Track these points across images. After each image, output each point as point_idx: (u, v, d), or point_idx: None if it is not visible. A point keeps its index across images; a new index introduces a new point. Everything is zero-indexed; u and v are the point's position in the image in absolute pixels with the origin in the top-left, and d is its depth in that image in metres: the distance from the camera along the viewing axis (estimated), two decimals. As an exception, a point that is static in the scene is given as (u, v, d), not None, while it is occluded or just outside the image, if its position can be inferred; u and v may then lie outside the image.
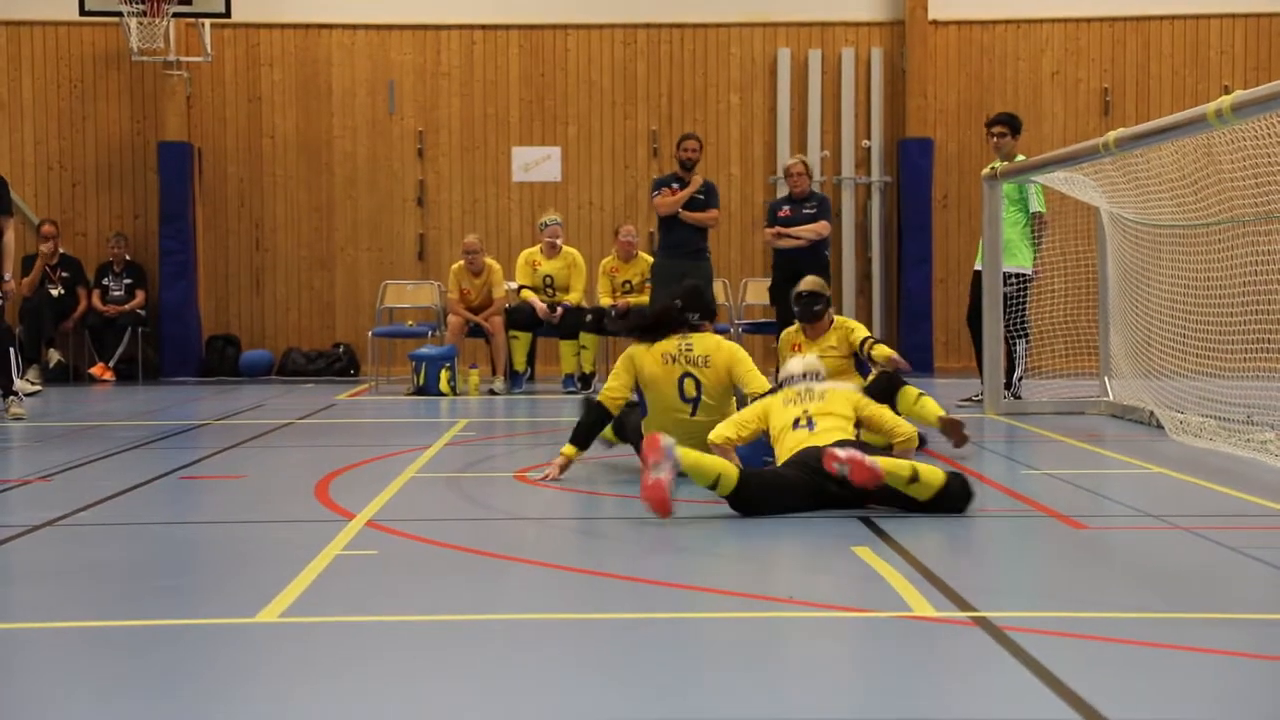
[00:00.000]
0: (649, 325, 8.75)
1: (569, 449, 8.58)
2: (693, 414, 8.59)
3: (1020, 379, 13.38)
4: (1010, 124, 13.41)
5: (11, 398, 13.13)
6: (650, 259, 16.23)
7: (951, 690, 4.39)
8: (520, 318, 15.95)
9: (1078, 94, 18.43)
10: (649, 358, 8.66)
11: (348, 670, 4.58)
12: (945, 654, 4.74)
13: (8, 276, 13.17)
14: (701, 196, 15.21)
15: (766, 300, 17.10)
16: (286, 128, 18.74)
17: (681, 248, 15.15)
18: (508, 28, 18.68)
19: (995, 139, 13.35)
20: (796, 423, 7.73)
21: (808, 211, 15.51)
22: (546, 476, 8.52)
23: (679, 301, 8.78)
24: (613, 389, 8.69)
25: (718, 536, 7.07)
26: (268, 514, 7.75)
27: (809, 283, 10.66)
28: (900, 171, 18.48)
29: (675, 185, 15.29)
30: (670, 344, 8.68)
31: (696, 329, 8.76)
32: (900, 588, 5.56)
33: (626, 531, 7.25)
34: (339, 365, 18.36)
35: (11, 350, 13.37)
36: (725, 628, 5.14)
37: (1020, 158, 12.77)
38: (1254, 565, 6.11)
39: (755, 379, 8.60)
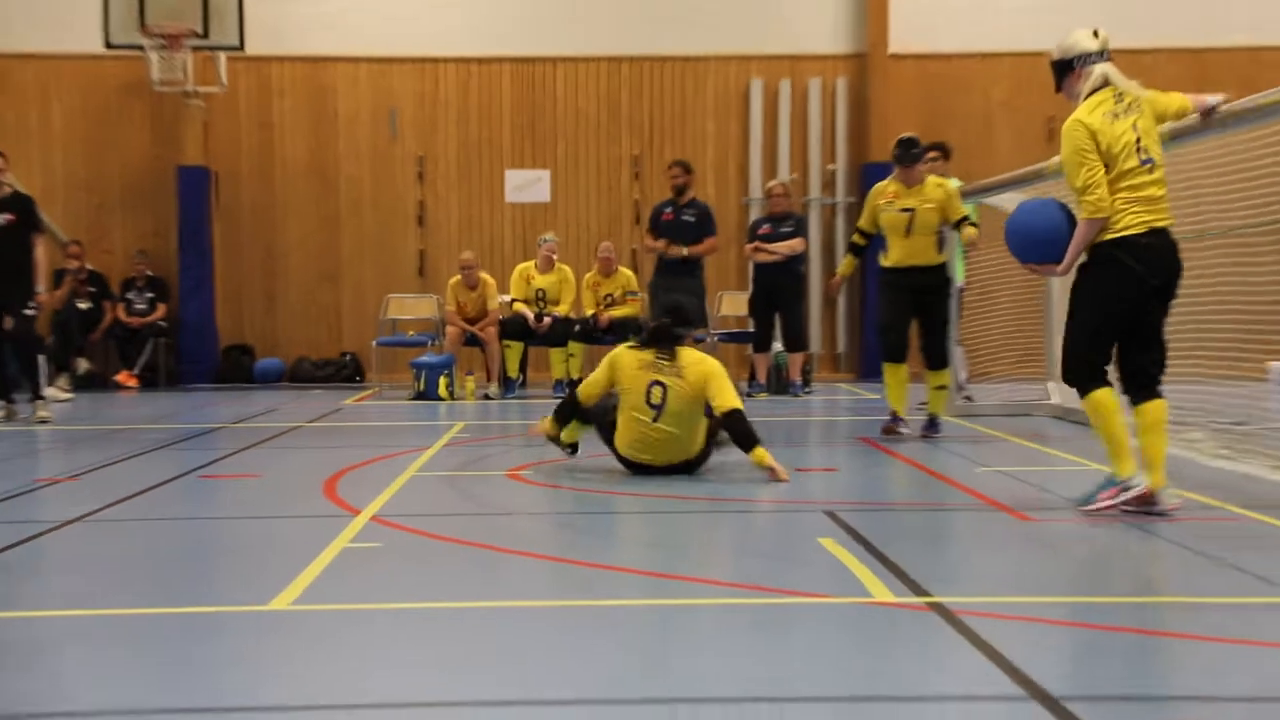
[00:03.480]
0: (648, 340, 8.76)
1: (546, 422, 8.99)
2: (654, 420, 8.58)
3: (967, 381, 13.41)
4: (943, 150, 13.40)
5: (39, 401, 13.13)
6: (629, 273, 16.27)
7: (908, 670, 4.41)
8: (513, 328, 15.97)
9: (1025, 122, 18.47)
10: (628, 360, 8.69)
11: (353, 653, 4.59)
12: (902, 636, 4.76)
13: (40, 289, 13.16)
14: (692, 220, 15.32)
15: (742, 311, 17.19)
16: (296, 152, 18.72)
17: (675, 266, 15.27)
18: (501, 60, 18.68)
19: (929, 164, 13.29)
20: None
21: (785, 230, 15.63)
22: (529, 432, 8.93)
23: (667, 319, 8.79)
24: (590, 383, 8.78)
25: (692, 529, 7.08)
26: (280, 510, 7.76)
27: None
28: (862, 191, 18.49)
29: (669, 209, 15.40)
30: (650, 353, 8.69)
31: (679, 341, 8.76)
32: (861, 575, 5.58)
33: (609, 525, 7.26)
34: (345, 372, 18.34)
35: (40, 358, 13.40)
36: (702, 613, 5.15)
37: (954, 181, 12.76)
38: (1184, 553, 6.15)
39: (727, 396, 8.56)
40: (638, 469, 8.69)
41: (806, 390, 15.83)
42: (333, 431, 12.21)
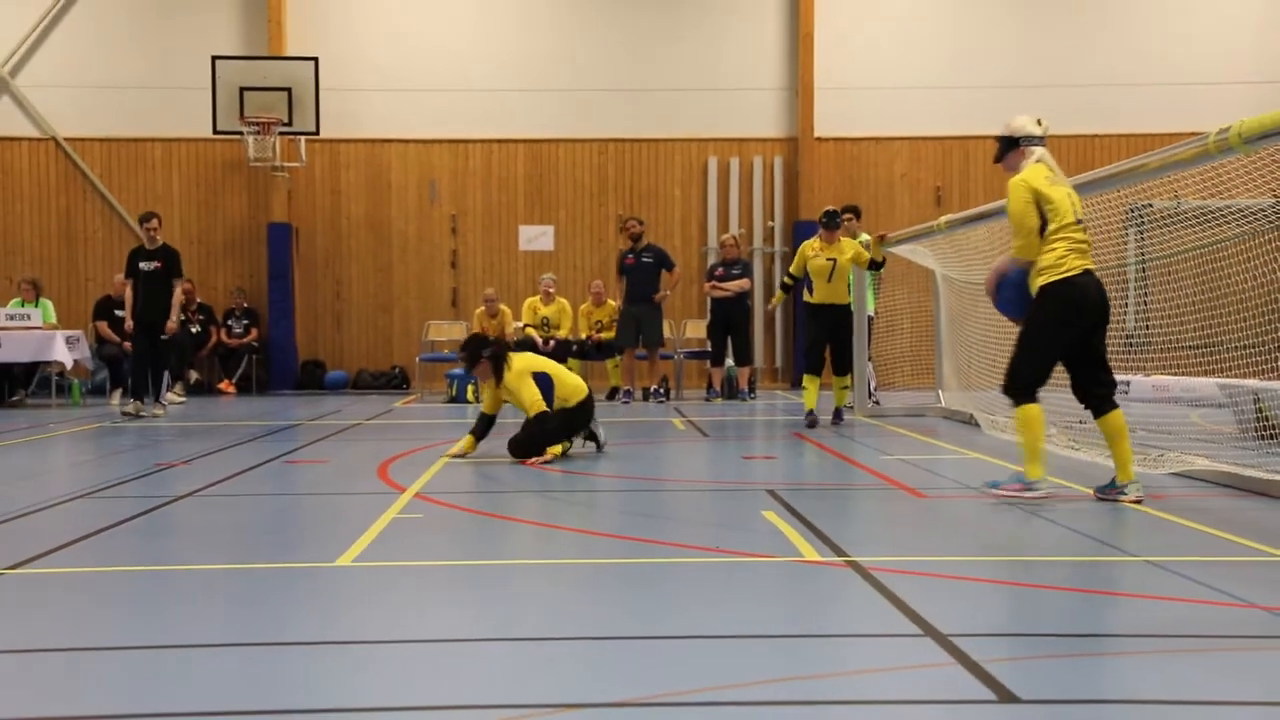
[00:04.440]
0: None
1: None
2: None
3: (877, 389, 13.41)
4: (856, 212, 13.39)
5: (158, 402, 13.15)
6: (615, 304, 16.26)
7: (831, 614, 4.39)
8: (525, 348, 15.91)
9: (919, 190, 18.49)
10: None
11: (401, 600, 4.55)
12: (826, 588, 4.73)
13: (173, 319, 13.26)
14: (650, 260, 15.38)
15: (701, 335, 17.19)
16: (358, 212, 18.67)
17: (637, 297, 15.31)
18: (516, 140, 18.67)
19: (845, 222, 13.23)
20: None
21: (735, 272, 15.63)
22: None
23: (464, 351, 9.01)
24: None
25: (664, 503, 7.05)
26: (343, 488, 7.71)
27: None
28: (794, 243, 18.50)
29: (630, 255, 15.44)
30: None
31: (475, 362, 8.92)
32: (795, 540, 5.56)
33: (602, 500, 7.23)
34: (395, 381, 18.27)
35: (166, 371, 13.59)
36: (670, 570, 5.12)
37: (864, 236, 12.76)
38: (1039, 521, 6.13)
39: (525, 400, 8.69)
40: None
41: (752, 396, 15.81)
42: (385, 427, 12.16)
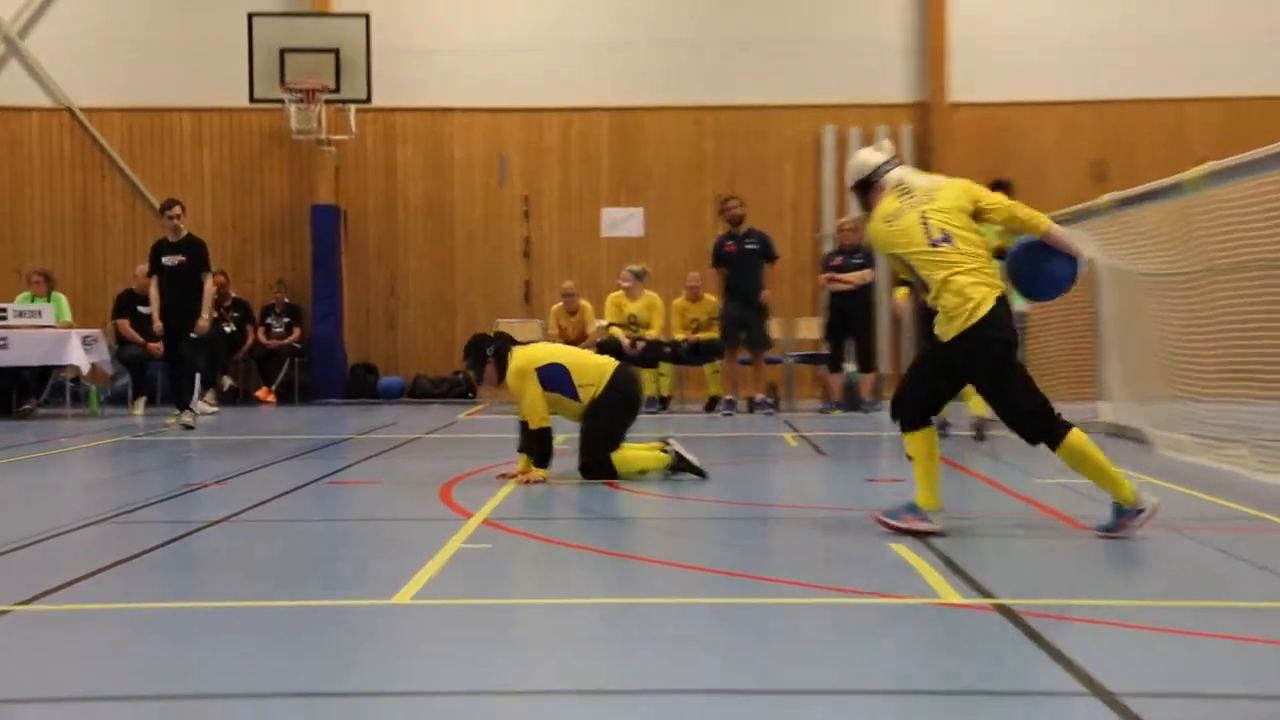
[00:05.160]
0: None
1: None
2: None
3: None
4: (1006, 188, 13.20)
5: (186, 411, 13.39)
6: (715, 299, 16.20)
7: (975, 666, 4.32)
8: (609, 350, 15.93)
9: (1073, 164, 18.23)
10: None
11: (468, 644, 4.56)
12: (968, 635, 4.66)
13: (204, 318, 13.54)
14: (756, 248, 15.38)
15: (816, 335, 17.09)
16: (416, 194, 18.86)
17: (740, 292, 15.29)
18: (598, 109, 18.72)
19: None
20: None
21: (856, 261, 15.57)
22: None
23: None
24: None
25: (773, 533, 7.01)
26: (400, 513, 7.76)
27: None
28: (926, 228, 18.31)
29: (731, 241, 15.41)
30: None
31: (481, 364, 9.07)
32: (929, 578, 5.49)
33: (699, 528, 7.20)
34: (458, 389, 18.41)
35: (198, 376, 13.86)
36: (781, 611, 5.08)
37: None
38: (1235, 563, 5.99)
39: (525, 408, 8.76)
40: None
41: (876, 408, 15.68)
42: (447, 443, 12.25)
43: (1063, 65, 18.31)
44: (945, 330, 6.51)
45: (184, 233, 13.86)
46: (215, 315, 17.75)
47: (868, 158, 6.93)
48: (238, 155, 18.81)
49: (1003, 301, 6.49)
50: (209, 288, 13.87)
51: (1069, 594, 5.28)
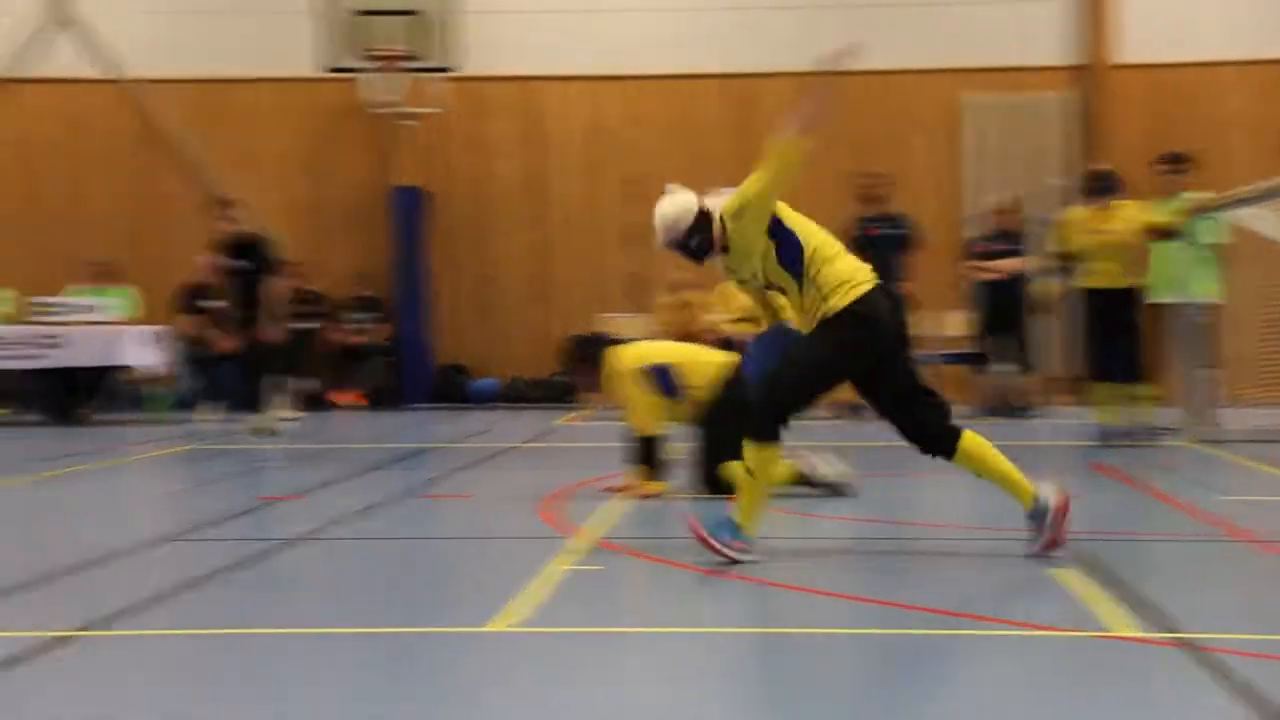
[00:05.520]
0: None
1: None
2: None
3: (1213, 405, 12.94)
4: (1179, 161, 13.00)
5: (262, 416, 13.58)
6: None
7: (1153, 708, 4.25)
8: (727, 349, 15.92)
9: (1263, 133, 17.86)
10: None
11: (575, 677, 4.57)
12: (1145, 674, 4.59)
13: (271, 328, 13.80)
14: (902, 232, 15.31)
15: (961, 331, 16.91)
16: (509, 172, 18.96)
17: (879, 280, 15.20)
18: (709, 76, 18.71)
19: (1164, 174, 12.84)
20: None
21: (1005, 248, 15.44)
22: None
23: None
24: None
25: (919, 556, 6.96)
26: (495, 530, 7.82)
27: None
28: (1086, 209, 18.09)
29: (875, 225, 15.36)
30: None
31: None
32: (1099, 608, 5.42)
33: (832, 548, 7.18)
34: (558, 393, 18.45)
35: (274, 378, 13.99)
36: (928, 643, 5.04)
37: (1187, 194, 12.42)
38: None
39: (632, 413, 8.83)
40: None
41: (1032, 412, 15.52)
42: (546, 452, 12.32)
43: (1249, 20, 17.97)
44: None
45: (244, 231, 13.93)
46: (287, 318, 18.03)
47: (680, 200, 6.85)
48: (310, 131, 19.02)
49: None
50: (277, 292, 13.94)
51: (1262, 627, 5.17)
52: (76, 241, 18.52)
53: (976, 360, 15.74)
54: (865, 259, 15.30)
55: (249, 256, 13.79)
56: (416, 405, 18.23)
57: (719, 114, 18.75)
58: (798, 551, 7.24)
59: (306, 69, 18.27)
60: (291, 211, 18.77)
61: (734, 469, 8.53)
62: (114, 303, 15.99)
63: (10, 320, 15.95)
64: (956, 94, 18.46)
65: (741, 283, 6.94)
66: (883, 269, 15.41)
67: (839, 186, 17.95)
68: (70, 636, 5.06)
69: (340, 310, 18.60)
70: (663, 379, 8.75)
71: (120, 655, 4.95)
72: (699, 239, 6.78)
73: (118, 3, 18.84)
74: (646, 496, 8.62)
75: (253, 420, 13.68)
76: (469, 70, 18.35)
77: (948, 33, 18.39)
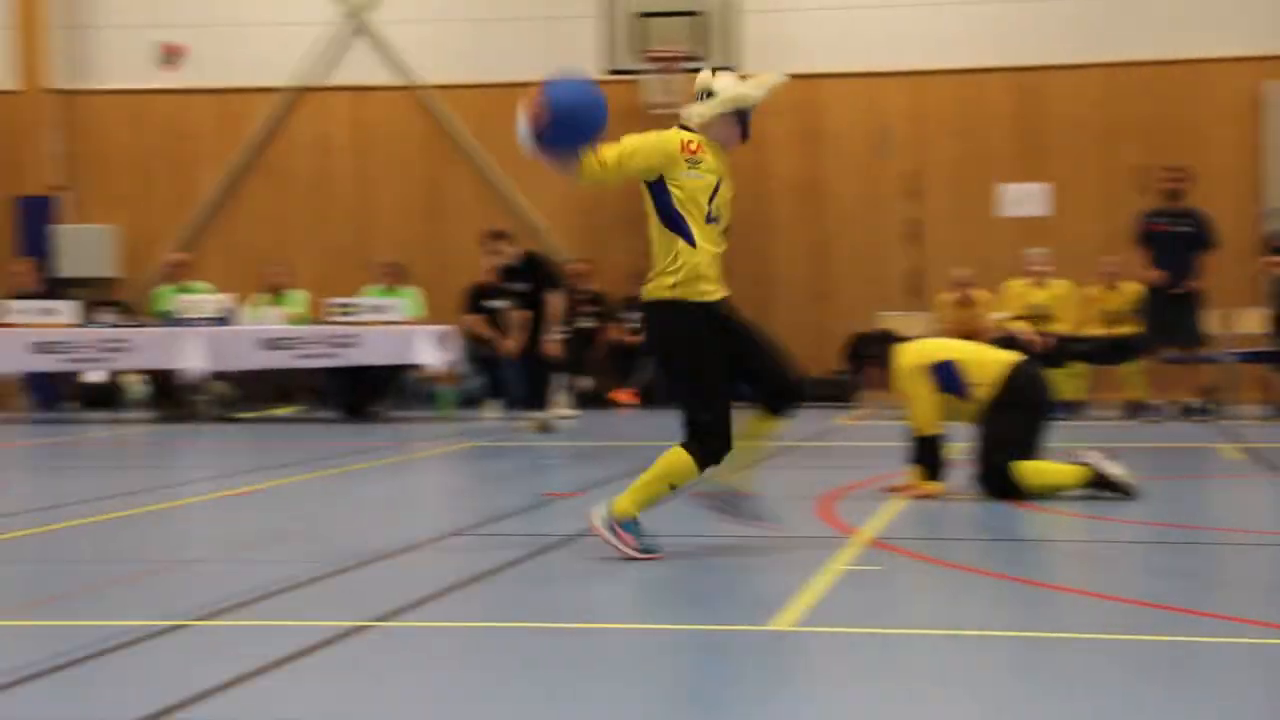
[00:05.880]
0: None
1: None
2: None
3: None
4: None
5: (542, 414, 13.86)
6: (1137, 288, 15.69)
7: None
8: (1009, 347, 15.65)
9: None
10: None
11: (862, 678, 4.55)
12: None
13: (550, 342, 14.08)
14: (1191, 230, 14.85)
15: (1259, 329, 16.31)
16: (785, 171, 18.95)
17: (1168, 278, 14.80)
18: (994, 70, 18.39)
19: None
20: None
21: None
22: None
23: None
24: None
25: (1220, 561, 6.74)
26: (772, 529, 7.82)
27: None
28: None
29: (1162, 220, 14.93)
30: None
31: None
32: None
33: (1119, 553, 6.99)
34: (835, 391, 18.34)
35: (555, 377, 14.27)
36: (1230, 654, 4.86)
37: None
38: None
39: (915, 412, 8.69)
40: None
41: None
42: (824, 451, 12.29)
43: None
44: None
45: (518, 256, 14.27)
46: (564, 330, 18.35)
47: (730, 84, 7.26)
48: (591, 133, 19.26)
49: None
50: (556, 306, 14.22)
51: None
52: (366, 243, 19.15)
53: (1277, 359, 15.14)
54: (1149, 256, 14.95)
55: (527, 278, 14.14)
56: (693, 404, 18.29)
57: (1000, 108, 18.41)
58: (1083, 555, 7.09)
59: (588, 72, 18.47)
60: (570, 212, 19.09)
61: (1024, 469, 8.40)
62: (402, 303, 16.47)
63: (304, 320, 16.57)
64: (1256, 84, 17.76)
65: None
66: (1169, 266, 15.16)
67: (1128, 180, 17.50)
68: (363, 628, 5.23)
69: (617, 309, 18.82)
70: (947, 376, 8.63)
71: (410, 647, 5.11)
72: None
73: (409, 11, 19.43)
74: (925, 496, 8.52)
75: (533, 418, 13.96)
76: (748, 69, 18.37)
77: (1247, 18, 17.72)
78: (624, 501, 6.68)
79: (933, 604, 5.84)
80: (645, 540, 6.65)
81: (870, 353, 8.97)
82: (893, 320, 17.82)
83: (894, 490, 8.75)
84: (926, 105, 18.62)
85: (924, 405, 8.61)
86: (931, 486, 8.59)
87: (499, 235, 14.47)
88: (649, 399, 18.35)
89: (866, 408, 17.01)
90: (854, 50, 18.67)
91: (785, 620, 5.27)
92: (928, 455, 8.65)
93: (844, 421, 15.40)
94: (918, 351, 8.81)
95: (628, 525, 6.64)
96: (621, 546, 6.58)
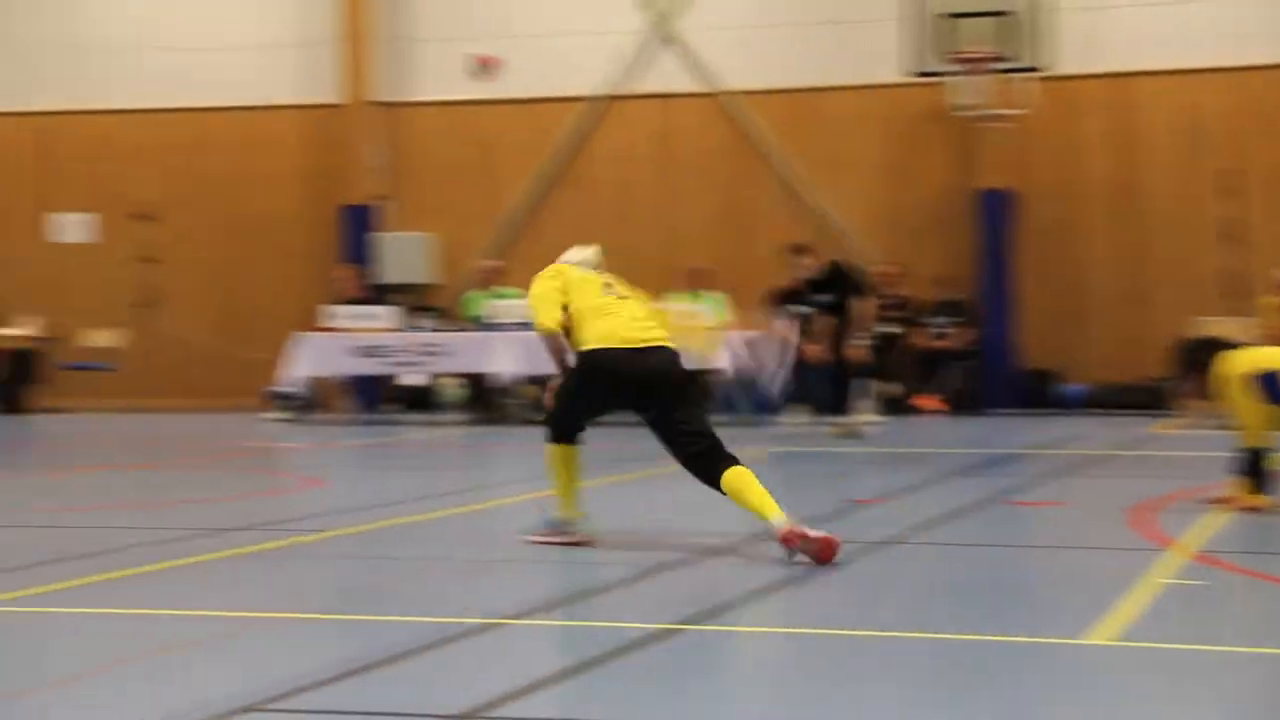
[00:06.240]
0: None
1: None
2: None
3: None
4: None
5: (848, 419, 13.80)
6: None
7: None
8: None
9: None
10: None
11: (1176, 697, 4.41)
12: None
13: (857, 347, 14.07)
14: None
15: None
16: (1098, 172, 18.49)
17: None
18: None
19: None
20: None
21: None
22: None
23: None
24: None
25: None
26: (1084, 540, 7.67)
27: None
28: None
29: None
30: None
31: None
32: None
33: None
34: (1149, 399, 17.78)
35: (852, 383, 14.19)
36: None
37: None
38: None
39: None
40: None
41: None
42: (1139, 461, 11.95)
43: None
44: None
45: (827, 267, 14.29)
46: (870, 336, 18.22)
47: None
48: (893, 137, 19.13)
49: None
50: (862, 313, 14.19)
51: None
52: (669, 250, 19.31)
53: None
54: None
55: (831, 289, 14.12)
56: (997, 410, 18.00)
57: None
58: None
59: (891, 75, 18.40)
60: (874, 217, 18.96)
61: None
62: (707, 308, 16.57)
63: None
64: None
65: None
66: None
67: None
68: (674, 630, 5.29)
69: (923, 315, 18.62)
70: (1274, 387, 8.27)
71: (716, 650, 5.17)
72: None
73: (713, 19, 19.54)
74: (1249, 510, 8.19)
75: (839, 423, 13.91)
76: (1059, 69, 17.99)
77: None
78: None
79: (1266, 622, 5.61)
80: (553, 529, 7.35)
81: (1197, 359, 8.63)
82: (1213, 325, 17.20)
83: (1215, 502, 8.44)
84: (1243, 100, 17.97)
85: (1249, 416, 8.28)
86: (1258, 500, 8.25)
87: (801, 249, 14.48)
88: (956, 405, 18.11)
89: (1187, 416, 16.43)
90: (1167, 45, 18.10)
91: (1103, 634, 5.13)
92: (1252, 467, 8.31)
93: (1161, 430, 14.92)
94: (1246, 360, 8.46)
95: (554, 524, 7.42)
96: (559, 539, 7.32)
